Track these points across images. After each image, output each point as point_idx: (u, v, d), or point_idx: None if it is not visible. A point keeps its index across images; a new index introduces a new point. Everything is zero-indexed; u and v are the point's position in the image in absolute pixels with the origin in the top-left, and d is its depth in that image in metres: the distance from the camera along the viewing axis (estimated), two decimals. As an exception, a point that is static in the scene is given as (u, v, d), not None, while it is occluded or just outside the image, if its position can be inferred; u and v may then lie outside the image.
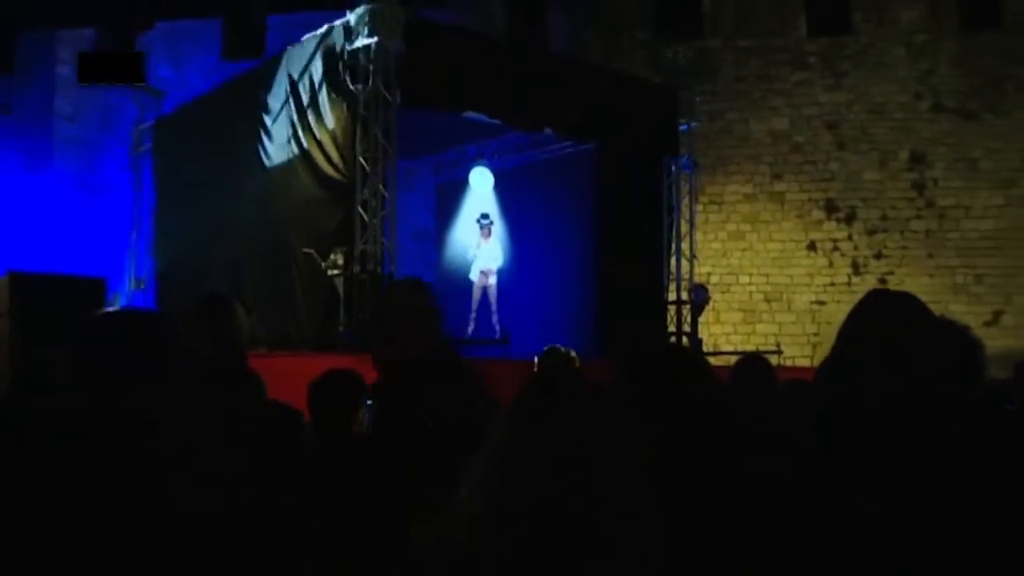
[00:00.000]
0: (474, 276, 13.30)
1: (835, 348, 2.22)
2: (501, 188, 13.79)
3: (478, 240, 13.39)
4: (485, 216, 13.49)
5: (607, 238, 12.74)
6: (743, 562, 1.89)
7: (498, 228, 13.65)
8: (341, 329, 9.82)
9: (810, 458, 2.06)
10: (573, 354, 4.84)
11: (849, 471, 1.98)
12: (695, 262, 14.21)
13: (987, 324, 15.19)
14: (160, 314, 2.19)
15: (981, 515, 1.89)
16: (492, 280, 13.26)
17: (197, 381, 2.85)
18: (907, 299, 2.24)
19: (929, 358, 2.13)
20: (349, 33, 10.26)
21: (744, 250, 16.57)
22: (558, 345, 4.98)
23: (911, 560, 1.88)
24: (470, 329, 13.15)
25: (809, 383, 4.84)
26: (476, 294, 13.25)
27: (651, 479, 1.83)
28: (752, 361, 4.40)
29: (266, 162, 11.40)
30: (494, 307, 13.14)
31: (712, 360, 9.99)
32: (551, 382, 1.91)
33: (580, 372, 4.84)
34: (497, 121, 11.63)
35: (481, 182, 13.79)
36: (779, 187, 16.63)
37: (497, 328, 12.81)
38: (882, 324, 2.17)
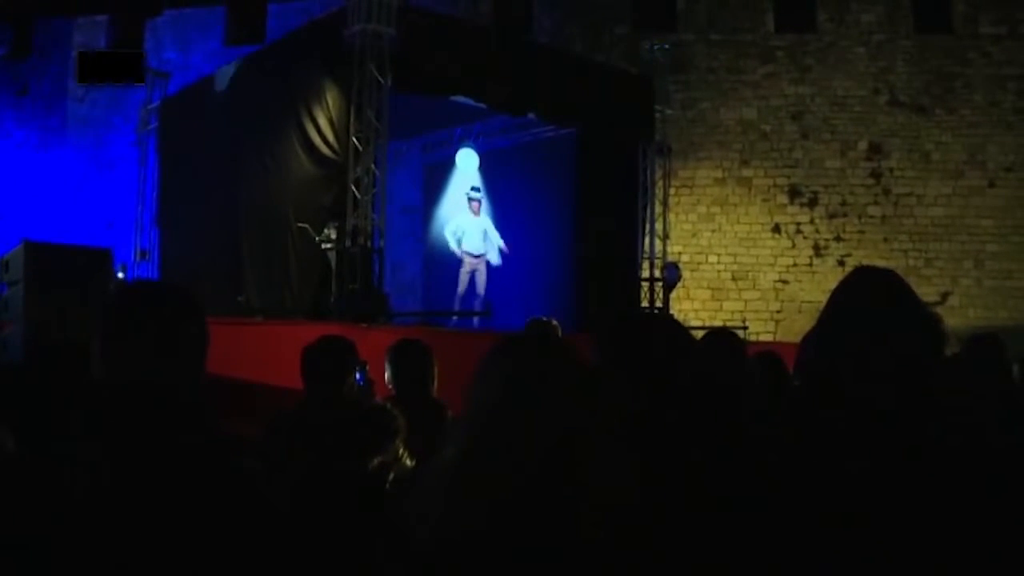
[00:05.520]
0: (459, 252, 12.63)
1: (822, 321, 2.07)
2: (486, 168, 13.54)
3: (467, 215, 12.85)
4: (476, 189, 13.03)
5: (585, 217, 12.57)
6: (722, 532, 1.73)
7: (484, 207, 13.37)
8: (332, 299, 9.66)
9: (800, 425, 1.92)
10: (555, 323, 4.67)
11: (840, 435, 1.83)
12: (667, 242, 14.08)
13: (935, 304, 15.15)
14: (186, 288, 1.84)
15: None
16: (482, 267, 12.72)
17: None
18: (889, 275, 2.12)
19: (911, 330, 2.00)
20: (345, 19, 10.03)
21: (713, 231, 16.47)
22: (540, 316, 4.81)
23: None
24: (457, 306, 12.87)
25: (776, 355, 4.78)
26: (463, 278, 12.60)
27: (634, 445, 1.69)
28: (723, 335, 4.19)
29: (265, 141, 11.16)
30: (480, 290, 12.62)
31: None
32: (544, 345, 1.72)
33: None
34: (483, 105, 11.40)
35: (467, 162, 13.53)
36: (747, 172, 16.53)
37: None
38: (868, 299, 2.04)
